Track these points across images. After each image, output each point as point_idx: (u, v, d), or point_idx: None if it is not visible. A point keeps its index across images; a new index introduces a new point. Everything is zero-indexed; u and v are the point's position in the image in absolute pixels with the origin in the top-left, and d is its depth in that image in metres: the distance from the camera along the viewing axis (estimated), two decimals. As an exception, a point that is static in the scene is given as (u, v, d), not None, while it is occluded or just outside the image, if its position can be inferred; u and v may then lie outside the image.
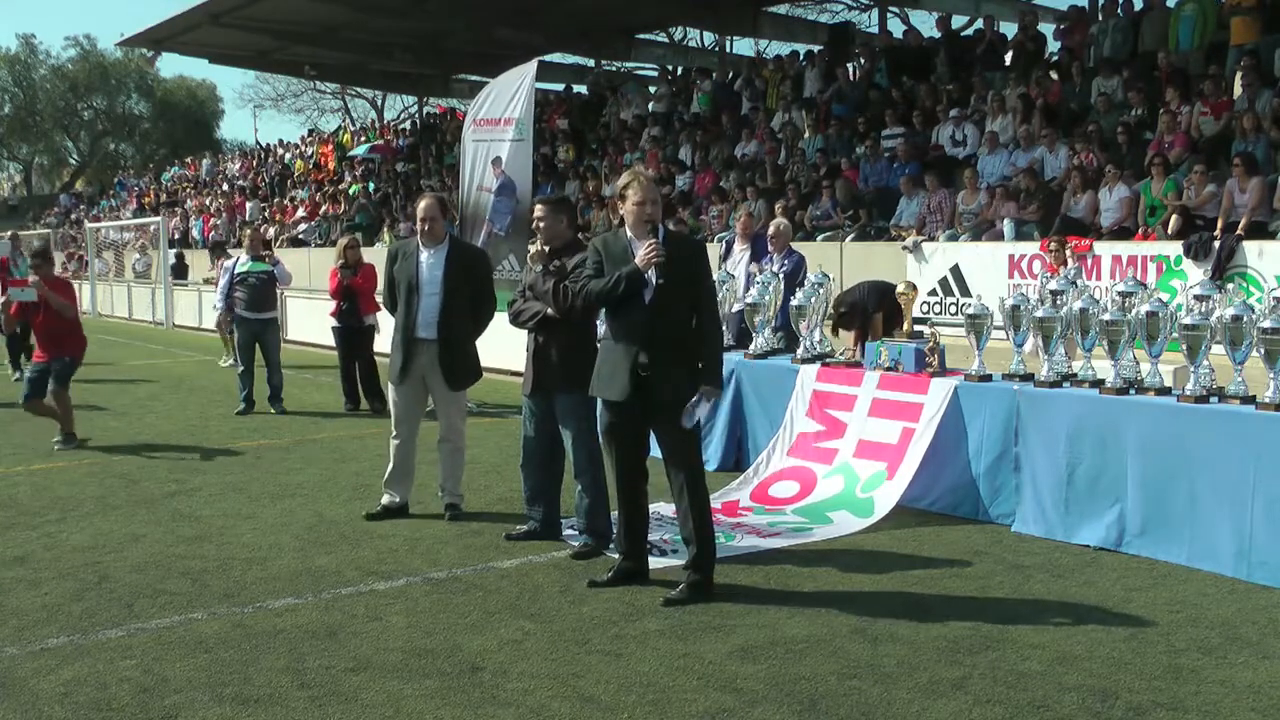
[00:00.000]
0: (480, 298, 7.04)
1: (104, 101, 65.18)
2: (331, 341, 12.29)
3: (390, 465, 7.17)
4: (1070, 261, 10.65)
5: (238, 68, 46.69)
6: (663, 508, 6.64)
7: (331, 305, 11.88)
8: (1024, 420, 6.55)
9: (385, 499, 7.14)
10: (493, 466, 8.57)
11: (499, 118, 11.48)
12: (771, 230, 10.13)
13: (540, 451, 6.45)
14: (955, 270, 13.15)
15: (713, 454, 8.32)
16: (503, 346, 12.72)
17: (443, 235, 6.95)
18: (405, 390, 7.04)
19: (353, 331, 11.66)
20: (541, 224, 6.35)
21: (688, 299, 5.43)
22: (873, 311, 8.06)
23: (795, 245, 12.97)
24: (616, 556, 5.79)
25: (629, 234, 5.49)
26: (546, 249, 6.32)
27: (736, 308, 9.14)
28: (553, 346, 6.21)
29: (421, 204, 7.00)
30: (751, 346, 8.49)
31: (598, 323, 6.19)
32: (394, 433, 7.12)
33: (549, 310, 6.15)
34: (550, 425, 6.37)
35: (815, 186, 16.22)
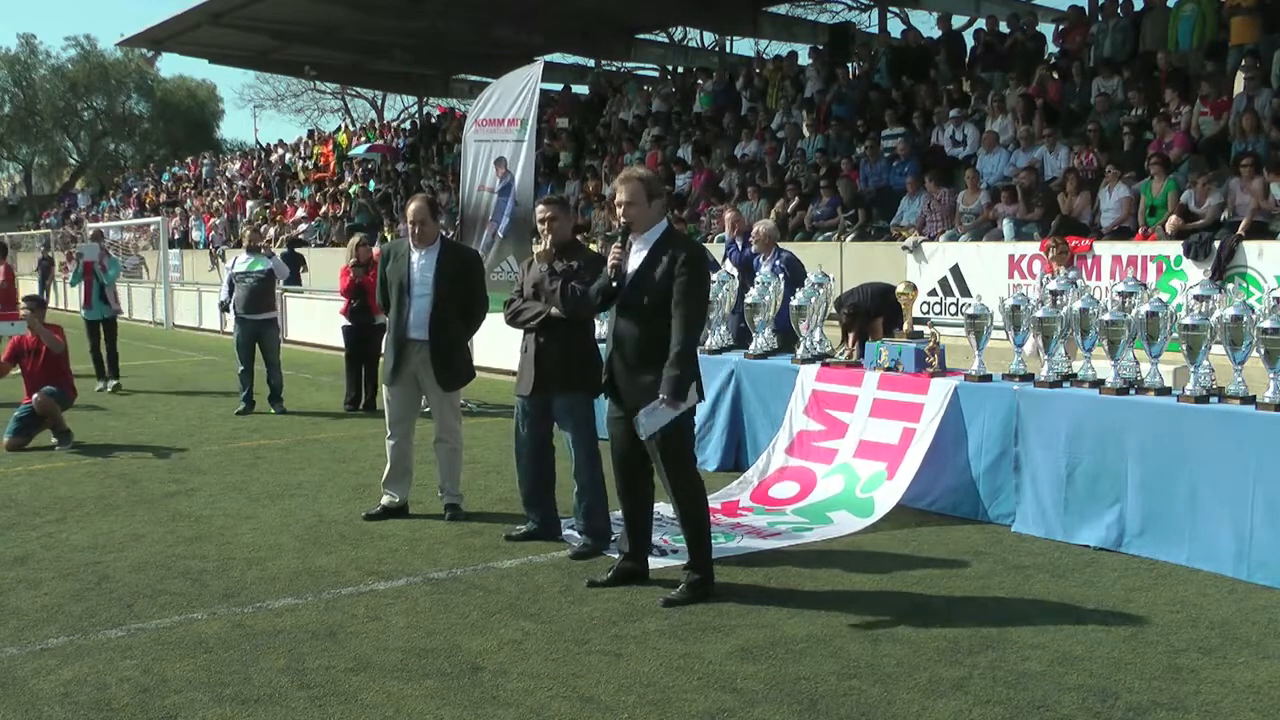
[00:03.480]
0: (472, 298, 7.06)
1: (104, 101, 65.10)
2: (337, 340, 12.30)
3: (388, 466, 7.19)
4: (1067, 266, 10.66)
5: (238, 68, 46.69)
6: (663, 508, 6.63)
7: (340, 304, 11.90)
8: (1024, 420, 6.55)
9: (384, 499, 7.15)
10: (493, 466, 8.57)
11: (503, 118, 11.47)
12: (754, 232, 10.09)
13: (533, 452, 6.45)
14: (955, 270, 13.14)
15: (712, 454, 8.33)
16: (502, 347, 12.77)
17: (433, 237, 6.96)
18: (398, 391, 7.07)
19: (363, 329, 11.67)
20: (553, 223, 6.28)
21: (664, 302, 5.29)
22: (874, 314, 8.05)
23: (794, 245, 13.01)
24: (616, 556, 5.79)
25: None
26: (554, 249, 6.30)
27: (735, 307, 9.13)
28: (553, 346, 6.19)
29: (411, 206, 7.00)
30: (751, 346, 8.49)
31: (597, 323, 6.19)
32: (389, 433, 7.15)
33: (553, 310, 6.12)
34: (543, 426, 6.38)
35: (815, 186, 16.22)
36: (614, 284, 5.42)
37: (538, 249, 6.45)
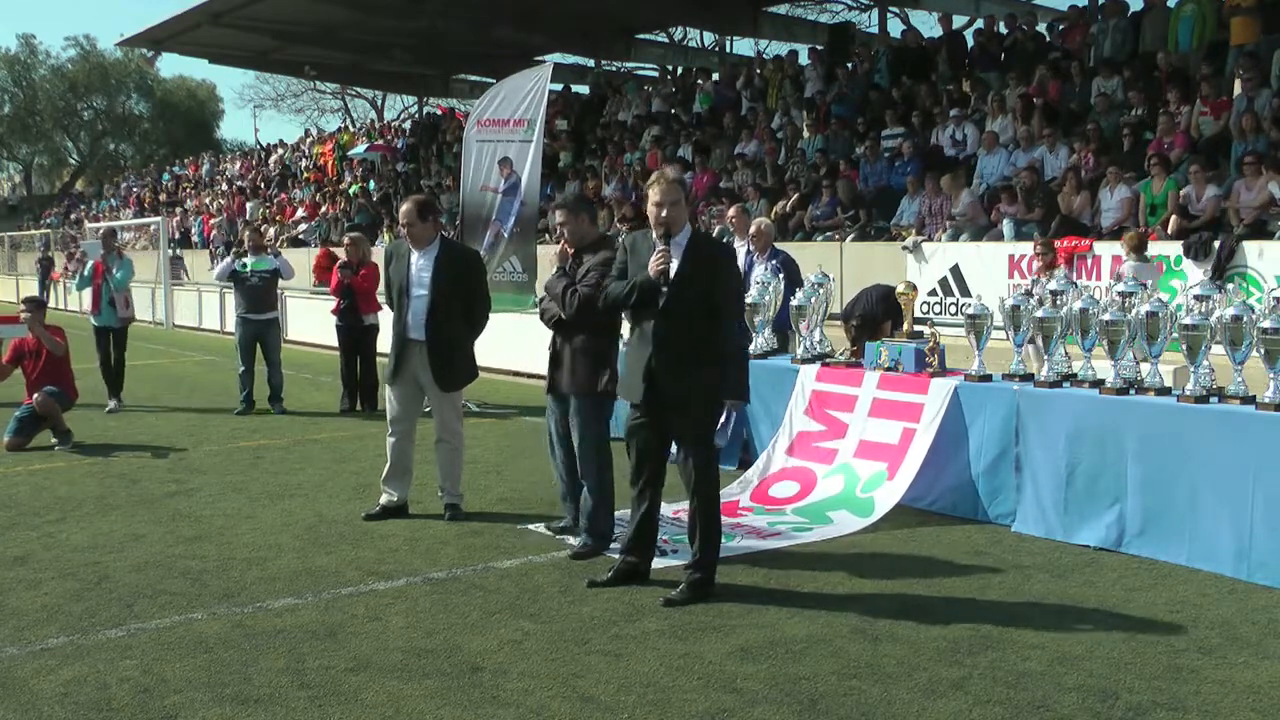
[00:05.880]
0: (472, 299, 7.06)
1: (104, 101, 65.17)
2: (333, 340, 12.31)
3: (387, 464, 7.20)
4: (1060, 265, 10.72)
5: (238, 68, 46.76)
6: (664, 508, 6.64)
7: (332, 303, 11.90)
8: (1024, 420, 6.55)
9: (384, 498, 7.16)
10: (493, 466, 8.57)
11: (508, 118, 11.48)
12: (752, 230, 10.08)
13: (561, 449, 6.49)
14: (955, 270, 13.15)
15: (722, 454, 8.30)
16: (503, 347, 12.78)
17: (426, 238, 6.96)
18: (399, 390, 7.09)
19: (353, 330, 11.67)
20: (563, 227, 6.32)
21: (706, 303, 5.32)
22: (882, 320, 8.06)
23: (794, 245, 13.01)
24: (617, 557, 5.78)
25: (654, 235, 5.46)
26: (570, 250, 6.29)
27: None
28: (566, 347, 6.22)
29: (401, 209, 7.07)
30: (751, 346, 8.48)
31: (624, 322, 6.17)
32: (389, 431, 7.17)
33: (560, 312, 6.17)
34: (565, 425, 6.42)
35: (815, 186, 16.22)
36: (663, 288, 5.32)
37: (556, 249, 6.51)
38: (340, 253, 12.54)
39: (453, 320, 6.94)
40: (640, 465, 5.56)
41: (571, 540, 6.36)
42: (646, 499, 5.60)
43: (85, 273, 12.19)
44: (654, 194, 5.39)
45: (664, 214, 5.33)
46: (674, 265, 5.32)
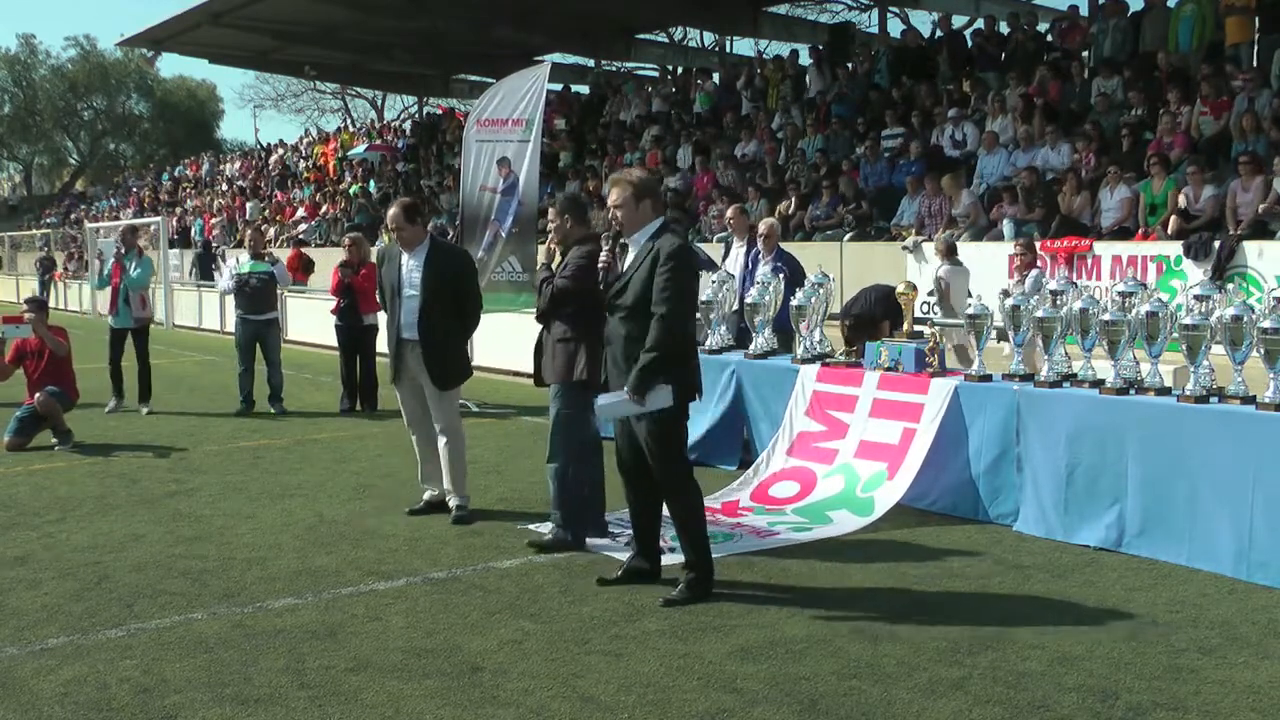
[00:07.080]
0: (464, 298, 7.10)
1: (104, 101, 65.18)
2: (333, 340, 12.33)
3: (419, 464, 7.26)
4: (1038, 265, 10.82)
5: (238, 68, 46.77)
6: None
7: (332, 303, 11.92)
8: (1024, 420, 6.54)
9: (426, 495, 7.23)
10: (493, 466, 8.57)
11: (507, 118, 11.47)
12: (763, 230, 10.08)
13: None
14: (955, 270, 13.14)
15: (718, 453, 8.32)
16: (502, 347, 12.78)
17: (415, 240, 7.02)
18: (403, 390, 7.15)
19: (353, 330, 11.67)
20: (550, 224, 6.50)
21: (641, 302, 5.29)
22: (880, 319, 8.06)
23: (794, 245, 12.99)
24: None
25: None
26: (554, 247, 6.44)
27: (735, 307, 9.14)
28: (548, 338, 6.38)
29: (389, 212, 7.16)
30: (751, 346, 8.49)
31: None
32: (410, 433, 7.25)
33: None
34: None
35: (815, 187, 16.22)
36: (601, 286, 5.52)
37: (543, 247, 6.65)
38: (311, 253, 12.63)
39: (445, 319, 6.99)
40: (619, 462, 5.60)
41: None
42: (636, 496, 5.60)
43: (104, 272, 11.77)
44: (609, 196, 5.54)
45: (614, 214, 5.50)
46: (627, 263, 5.46)
